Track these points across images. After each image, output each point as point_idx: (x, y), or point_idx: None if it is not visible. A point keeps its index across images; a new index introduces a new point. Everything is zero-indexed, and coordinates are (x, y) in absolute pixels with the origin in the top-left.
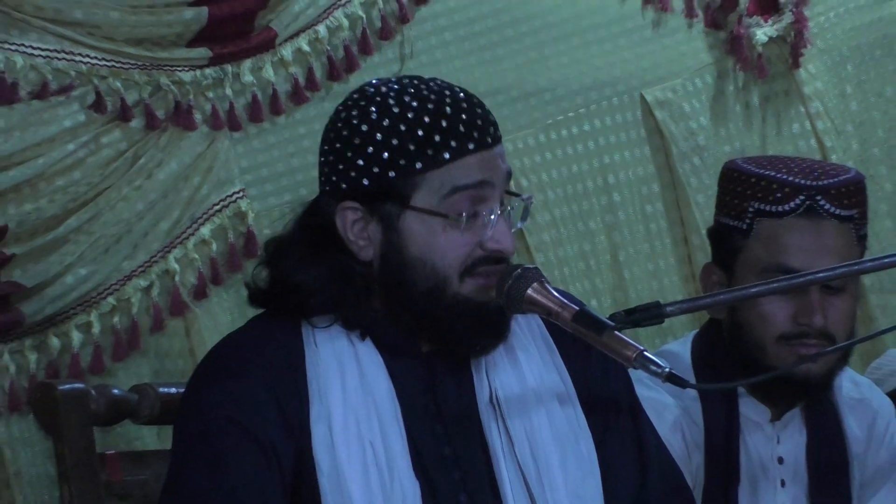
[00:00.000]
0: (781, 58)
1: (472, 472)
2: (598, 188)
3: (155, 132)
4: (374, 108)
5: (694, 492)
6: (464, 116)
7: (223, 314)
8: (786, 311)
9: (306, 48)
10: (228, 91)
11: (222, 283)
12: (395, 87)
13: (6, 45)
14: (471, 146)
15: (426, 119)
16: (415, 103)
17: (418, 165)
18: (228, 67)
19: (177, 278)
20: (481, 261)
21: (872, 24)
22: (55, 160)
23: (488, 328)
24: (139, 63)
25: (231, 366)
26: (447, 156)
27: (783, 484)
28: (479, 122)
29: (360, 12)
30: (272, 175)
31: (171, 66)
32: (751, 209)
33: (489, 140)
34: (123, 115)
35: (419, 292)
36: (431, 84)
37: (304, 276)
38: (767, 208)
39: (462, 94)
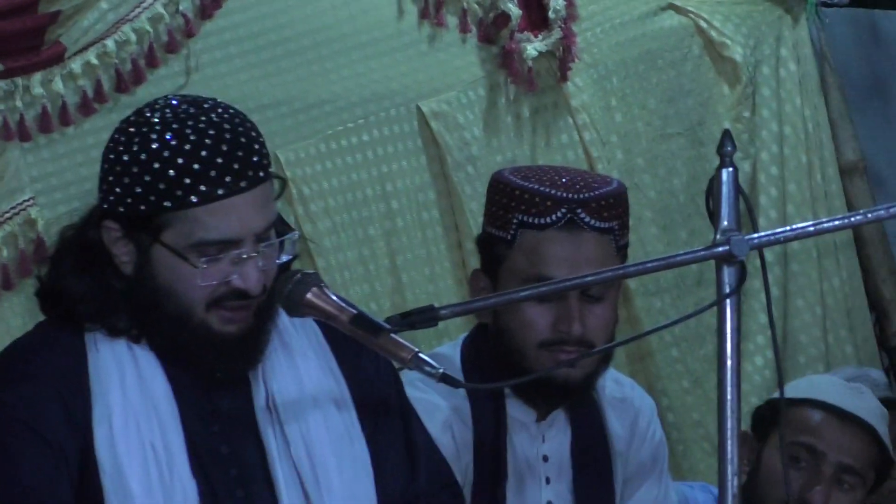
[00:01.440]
0: (550, 71)
1: (248, 469)
2: (377, 196)
3: None
4: (137, 140)
5: (464, 489)
6: (219, 160)
7: (14, 318)
8: (546, 318)
9: (95, 62)
10: (19, 103)
11: (13, 289)
12: (166, 116)
13: None
14: (220, 192)
15: (179, 160)
16: (174, 142)
17: (167, 204)
18: (19, 80)
19: None
20: (226, 296)
21: (636, 39)
22: None
23: (232, 357)
24: None
25: (17, 369)
26: (195, 199)
27: (548, 481)
28: (237, 165)
29: (148, 27)
30: (61, 184)
31: None
32: (514, 220)
33: (243, 185)
34: None
35: (166, 317)
36: (202, 118)
37: (71, 284)
38: (530, 220)
39: (229, 134)
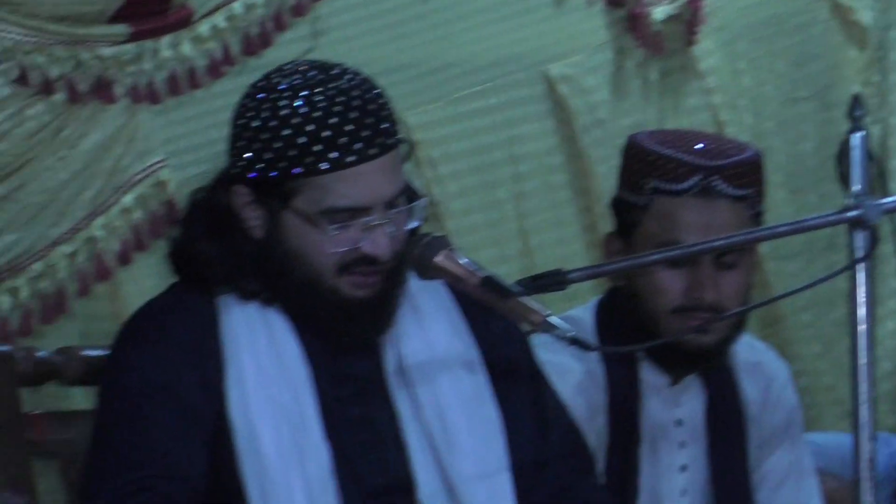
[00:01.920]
0: (677, 35)
1: (381, 432)
2: (505, 159)
3: (77, 105)
4: (266, 106)
5: (598, 453)
6: (348, 128)
7: (147, 279)
8: (679, 284)
9: (223, 25)
10: (148, 66)
11: (146, 250)
12: (295, 83)
13: None
14: (350, 159)
15: (309, 128)
16: (303, 109)
17: (297, 171)
18: (148, 43)
19: (101, 245)
20: (356, 262)
21: (763, 3)
22: None
23: (362, 322)
24: (61, 39)
25: (151, 331)
26: (325, 166)
27: (682, 445)
28: (366, 132)
29: None
30: (191, 146)
31: (92, 42)
32: (649, 186)
33: (373, 152)
34: (47, 88)
35: (296, 282)
36: (331, 85)
37: (202, 247)
38: (664, 186)
39: (358, 101)
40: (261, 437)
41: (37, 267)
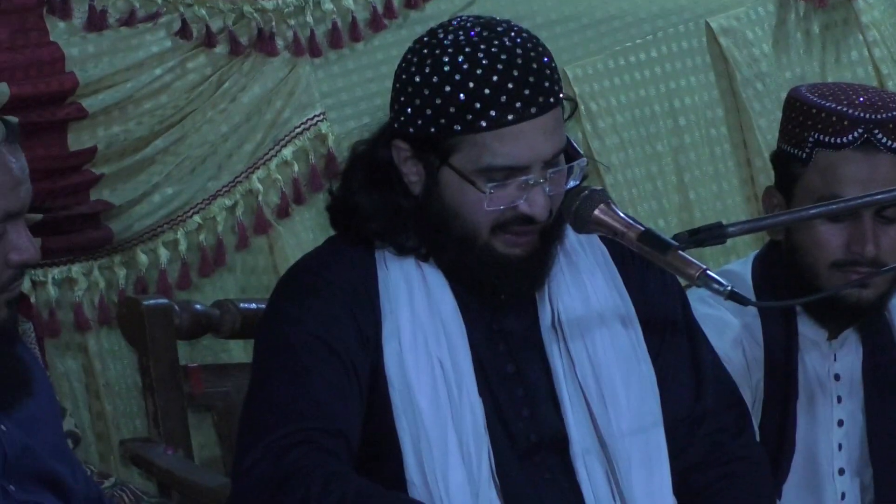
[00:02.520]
0: None
1: (534, 388)
2: (665, 112)
3: (238, 58)
4: (429, 62)
5: (754, 406)
6: (510, 86)
7: (305, 232)
8: (839, 238)
9: None
10: (309, 18)
11: (304, 203)
12: (459, 39)
13: None
14: (510, 118)
15: (470, 84)
16: (466, 66)
17: (457, 128)
18: None
19: (260, 198)
20: (512, 220)
21: None
22: (143, 84)
23: (517, 279)
24: None
25: (309, 284)
26: (484, 124)
27: (839, 400)
28: (527, 91)
29: None
30: (351, 99)
31: None
32: (810, 139)
33: (533, 111)
34: (208, 41)
35: (452, 239)
36: (495, 42)
37: (362, 200)
38: (826, 139)
39: (520, 59)
40: (416, 392)
41: (195, 220)
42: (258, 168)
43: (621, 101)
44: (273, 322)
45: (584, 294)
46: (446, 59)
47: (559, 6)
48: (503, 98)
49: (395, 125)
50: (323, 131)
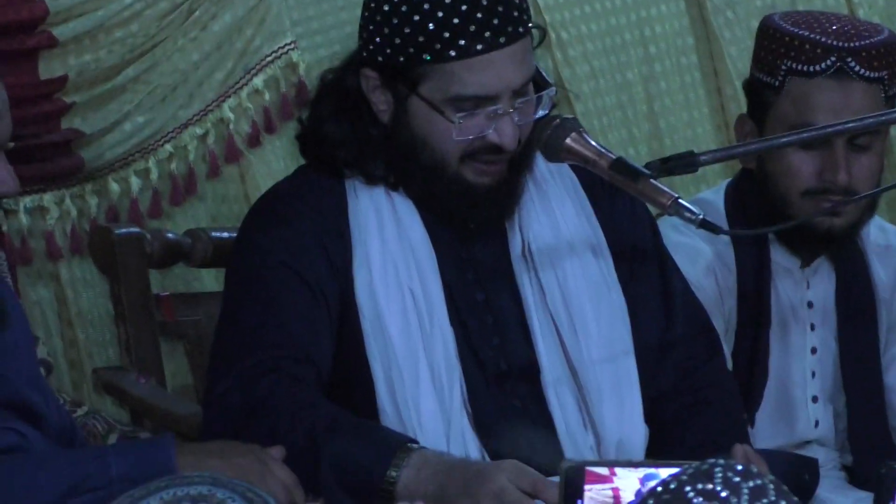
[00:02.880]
0: None
1: (504, 317)
2: (636, 40)
3: None
4: None
5: (727, 334)
6: (479, 15)
7: (276, 161)
8: (811, 166)
9: None
10: None
11: (276, 132)
12: None
13: None
14: (479, 47)
15: (439, 14)
16: None
17: (426, 57)
18: None
19: (231, 126)
20: (481, 150)
21: None
22: (114, 12)
23: (486, 208)
24: None
25: (279, 213)
26: (453, 53)
27: (812, 327)
28: (496, 20)
29: None
30: (322, 27)
31: None
32: (783, 67)
33: (502, 40)
34: None
35: (421, 168)
36: None
37: (331, 129)
38: (798, 67)
39: None
40: (387, 320)
41: (167, 148)
42: (229, 97)
43: (592, 29)
44: (243, 251)
45: (555, 223)
46: None
47: None
48: (472, 27)
49: (364, 54)
50: (294, 60)
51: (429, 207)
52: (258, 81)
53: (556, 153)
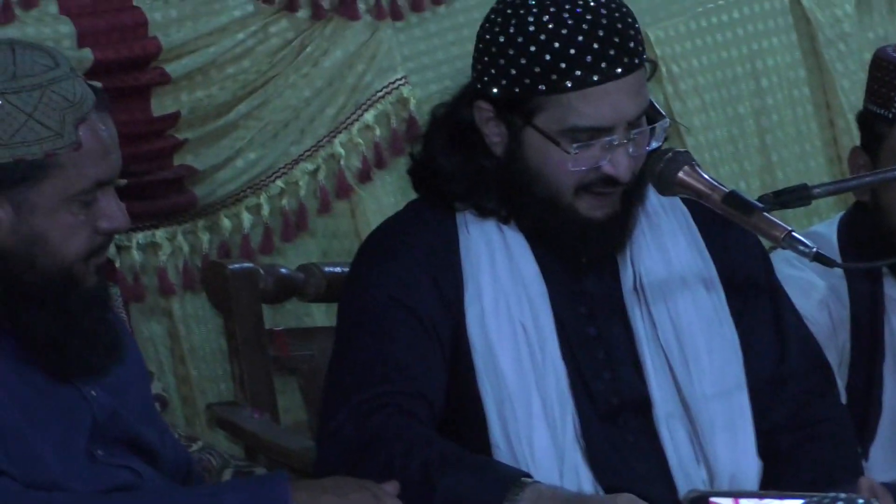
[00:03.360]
0: None
1: (616, 351)
2: (747, 73)
3: (321, 22)
4: (513, 21)
5: (840, 368)
6: (595, 46)
7: (387, 196)
8: None
9: None
10: None
11: (386, 167)
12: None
13: None
14: (595, 78)
15: (556, 44)
16: (550, 26)
17: (541, 88)
18: None
19: (342, 162)
20: (595, 182)
21: None
22: (226, 49)
23: (598, 241)
24: None
25: (391, 248)
26: (569, 84)
27: None
28: (612, 51)
29: None
30: (433, 63)
31: None
32: None
33: (618, 71)
34: (290, 5)
35: (535, 200)
36: (580, 2)
37: (443, 162)
38: None
39: (605, 19)
40: (499, 355)
41: (278, 184)
42: (340, 132)
43: (703, 62)
44: (355, 286)
45: (666, 257)
46: (531, 20)
47: None
48: (588, 58)
49: (478, 86)
50: (404, 95)
51: (541, 241)
52: (369, 117)
53: (669, 187)
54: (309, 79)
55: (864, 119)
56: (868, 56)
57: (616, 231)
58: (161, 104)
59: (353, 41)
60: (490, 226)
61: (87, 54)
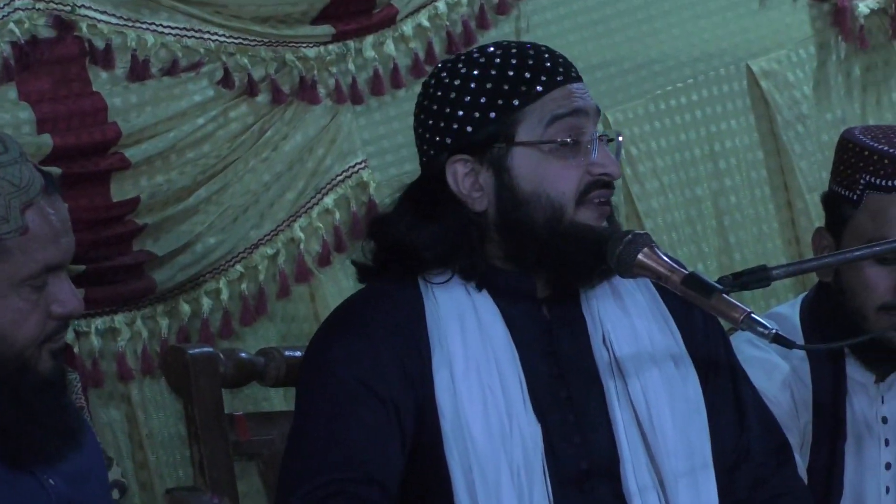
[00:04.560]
0: (882, 29)
1: (587, 413)
2: (705, 156)
3: (281, 106)
4: (461, 65)
5: (802, 449)
6: (546, 55)
7: (346, 280)
8: (888, 281)
9: (426, 24)
10: (351, 66)
11: (346, 251)
12: (473, 49)
13: (138, 24)
14: (559, 79)
15: (513, 61)
16: (498, 52)
17: (515, 102)
18: (351, 43)
19: (302, 246)
20: (591, 186)
21: None
22: (185, 134)
23: (588, 254)
24: (265, 40)
25: (353, 325)
26: (540, 88)
27: (887, 443)
28: (561, 60)
29: None
30: (393, 146)
31: (296, 43)
32: (862, 181)
33: (574, 74)
34: (250, 90)
35: (538, 226)
36: (505, 42)
37: (418, 234)
38: (877, 182)
39: (540, 46)
40: (468, 419)
41: (238, 269)
42: (300, 216)
43: (661, 145)
44: (313, 365)
45: (636, 330)
46: (476, 56)
47: (600, 51)
48: (547, 65)
49: (447, 143)
50: (364, 179)
51: (550, 268)
52: (329, 201)
53: (629, 269)
54: (269, 163)
55: (829, 200)
56: (826, 138)
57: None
58: (121, 189)
59: (313, 125)
60: (458, 291)
61: (47, 140)
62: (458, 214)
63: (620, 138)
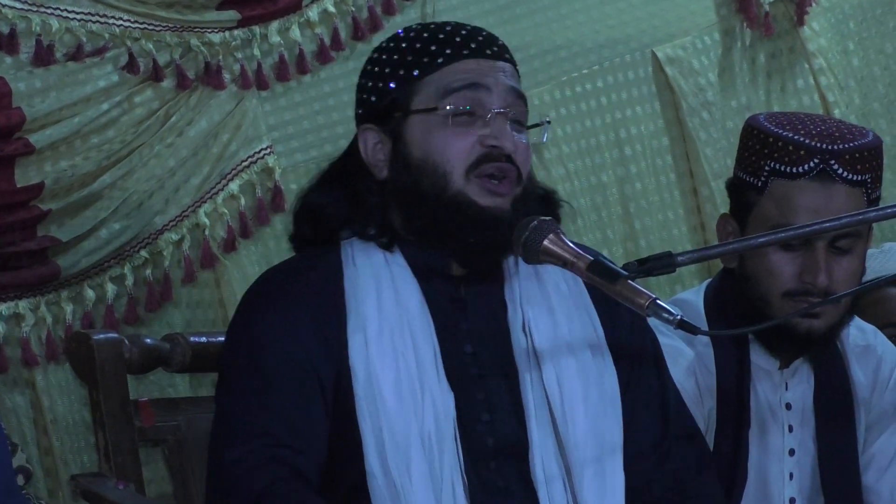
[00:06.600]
0: (787, 16)
1: (497, 393)
2: (611, 142)
3: (185, 92)
4: (388, 40)
5: (707, 434)
6: (463, 31)
7: (251, 266)
8: (792, 268)
9: (332, 9)
10: (256, 52)
11: (251, 237)
12: (403, 28)
13: (42, 9)
14: (465, 52)
15: (424, 34)
16: (418, 26)
17: (415, 72)
18: (256, 29)
19: (207, 232)
20: (482, 158)
21: None
22: (90, 119)
23: (493, 235)
24: (170, 25)
25: (273, 296)
26: (440, 61)
27: (791, 429)
28: (480, 37)
29: None
30: (298, 132)
31: (201, 28)
32: (766, 168)
33: (488, 52)
34: (155, 75)
35: (425, 194)
36: (439, 21)
37: (320, 199)
38: (782, 168)
39: (463, 23)
40: (380, 381)
41: (142, 254)
42: (205, 202)
43: (567, 131)
44: (237, 336)
45: (556, 317)
46: (400, 32)
47: (506, 37)
48: (456, 39)
49: (359, 113)
50: (270, 164)
51: (428, 265)
52: (234, 186)
53: (534, 255)
54: (174, 148)
55: (734, 186)
56: (731, 125)
57: (507, 231)
58: (25, 174)
59: (219, 111)
60: (377, 258)
61: None
62: (365, 181)
63: (548, 121)
